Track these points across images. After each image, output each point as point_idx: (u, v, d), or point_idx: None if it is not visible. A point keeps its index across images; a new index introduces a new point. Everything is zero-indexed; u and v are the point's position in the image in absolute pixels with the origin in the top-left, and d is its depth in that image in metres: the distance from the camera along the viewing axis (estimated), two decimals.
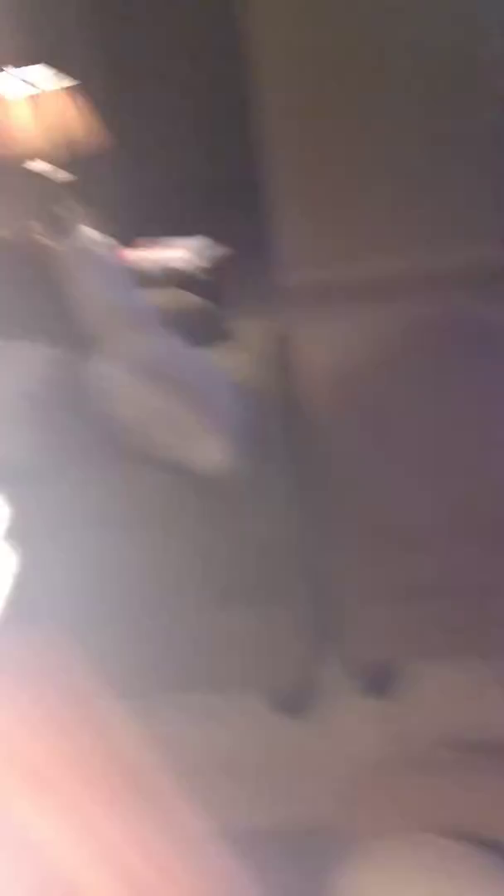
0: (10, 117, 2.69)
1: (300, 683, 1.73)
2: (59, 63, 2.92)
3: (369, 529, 1.58)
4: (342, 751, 1.67)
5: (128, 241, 3.13)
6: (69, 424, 1.72)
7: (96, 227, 3.10)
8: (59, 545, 1.62)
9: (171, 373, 1.75)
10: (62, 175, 2.92)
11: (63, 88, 2.78)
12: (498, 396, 1.90)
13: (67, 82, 2.84)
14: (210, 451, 1.74)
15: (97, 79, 3.90)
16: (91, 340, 1.98)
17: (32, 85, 2.71)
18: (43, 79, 2.78)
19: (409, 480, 1.67)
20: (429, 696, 1.75)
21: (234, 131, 4.77)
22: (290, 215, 3.95)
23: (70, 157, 2.85)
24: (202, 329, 2.60)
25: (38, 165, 2.82)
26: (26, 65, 2.83)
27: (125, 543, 1.65)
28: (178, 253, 3.06)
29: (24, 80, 2.73)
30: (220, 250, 3.19)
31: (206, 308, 2.63)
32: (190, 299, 2.61)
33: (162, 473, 1.67)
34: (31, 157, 2.77)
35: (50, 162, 2.82)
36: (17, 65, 2.83)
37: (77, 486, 1.68)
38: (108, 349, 1.84)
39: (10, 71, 2.81)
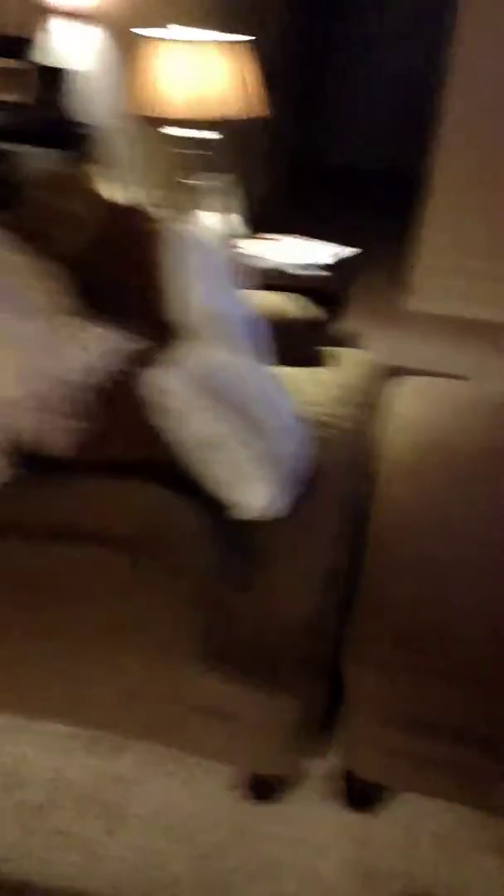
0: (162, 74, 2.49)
1: (280, 773, 1.55)
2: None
3: (404, 640, 1.37)
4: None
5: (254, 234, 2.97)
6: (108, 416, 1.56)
7: (224, 215, 2.93)
8: None
9: (244, 406, 1.57)
10: (204, 148, 2.74)
11: (228, 43, 2.55)
12: None
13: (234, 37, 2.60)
14: (257, 497, 1.57)
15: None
16: (170, 341, 1.83)
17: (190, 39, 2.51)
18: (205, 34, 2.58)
19: (465, 592, 1.45)
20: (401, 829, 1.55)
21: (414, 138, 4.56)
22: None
23: (220, 129, 2.66)
24: (309, 343, 2.42)
25: (183, 132, 2.65)
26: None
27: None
28: (310, 252, 2.85)
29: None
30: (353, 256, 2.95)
31: (322, 321, 2.42)
32: (309, 308, 2.40)
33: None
34: (178, 122, 2.60)
35: (195, 128, 2.65)
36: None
37: None
38: (185, 357, 1.68)
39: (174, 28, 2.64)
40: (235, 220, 2.94)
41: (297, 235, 3.06)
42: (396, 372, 2.61)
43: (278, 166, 5.83)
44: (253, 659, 1.40)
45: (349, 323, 4.10)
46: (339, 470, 1.85)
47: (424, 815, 1.60)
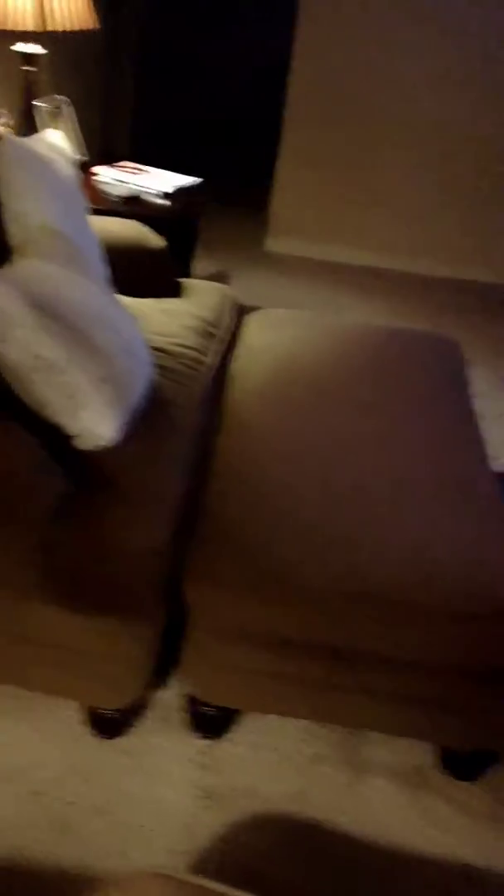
0: None
1: (124, 705, 1.51)
2: None
3: (241, 557, 1.36)
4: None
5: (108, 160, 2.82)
6: None
7: (69, 137, 2.76)
8: None
9: (82, 328, 1.48)
10: (46, 66, 2.56)
11: None
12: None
13: None
14: (98, 425, 1.50)
15: None
16: (7, 259, 1.70)
17: None
18: None
19: (304, 510, 1.45)
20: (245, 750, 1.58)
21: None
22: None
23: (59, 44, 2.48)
24: (151, 274, 2.33)
25: (25, 47, 2.46)
26: None
27: None
28: (155, 181, 2.73)
29: None
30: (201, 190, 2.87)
31: (164, 253, 2.33)
32: (150, 238, 2.31)
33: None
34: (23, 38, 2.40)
35: (38, 43, 2.46)
36: None
37: None
38: (18, 273, 1.57)
39: None
40: (76, 143, 2.78)
41: (141, 164, 2.94)
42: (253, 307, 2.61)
43: (142, 106, 5.61)
44: (92, 589, 1.35)
45: (214, 264, 4.07)
46: (184, 397, 1.81)
47: (269, 732, 1.62)
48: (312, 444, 1.67)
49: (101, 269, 2.01)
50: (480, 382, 3.23)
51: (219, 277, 3.94)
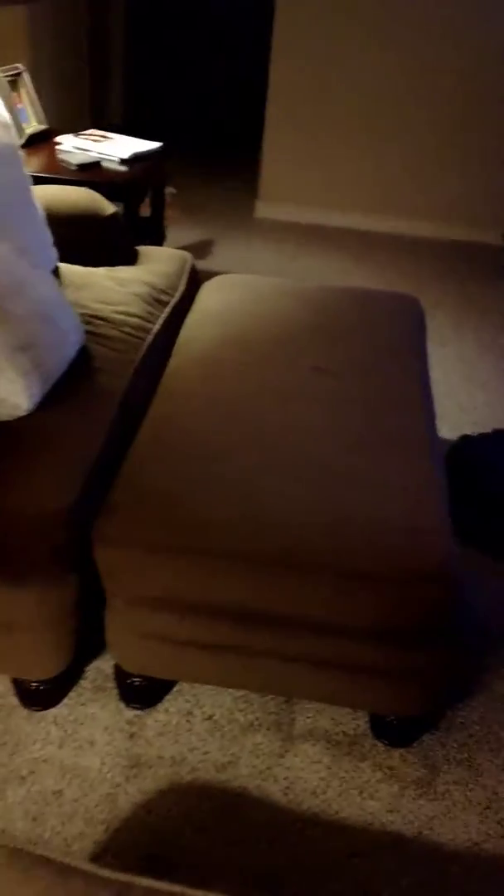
0: None
1: (46, 676, 1.50)
2: None
3: (155, 521, 1.32)
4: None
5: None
6: None
7: (28, 105, 2.72)
8: None
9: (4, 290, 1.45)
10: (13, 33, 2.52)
11: None
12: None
13: None
14: (10, 395, 1.47)
15: None
16: None
17: None
18: None
19: (228, 474, 1.41)
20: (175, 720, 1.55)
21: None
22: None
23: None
24: (102, 242, 2.28)
25: None
26: None
27: None
28: (115, 148, 2.68)
29: None
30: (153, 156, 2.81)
31: (116, 220, 2.28)
32: (101, 205, 2.26)
33: None
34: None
35: None
36: None
37: None
38: None
39: None
40: (34, 112, 2.74)
41: (99, 131, 2.89)
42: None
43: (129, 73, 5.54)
44: (2, 558, 1.34)
45: (203, 231, 4.01)
46: (118, 364, 1.77)
47: (204, 700, 1.60)
48: (248, 407, 1.63)
49: (37, 238, 1.98)
50: (467, 347, 3.14)
51: (207, 245, 3.89)
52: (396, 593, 1.25)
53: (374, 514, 1.34)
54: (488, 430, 2.59)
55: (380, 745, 1.53)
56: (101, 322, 1.91)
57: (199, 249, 3.84)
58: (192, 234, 3.96)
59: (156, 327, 1.99)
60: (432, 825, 1.41)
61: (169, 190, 3.40)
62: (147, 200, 3.05)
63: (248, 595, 1.31)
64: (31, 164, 2.58)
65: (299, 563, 1.27)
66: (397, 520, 1.33)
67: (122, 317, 1.96)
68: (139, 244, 2.84)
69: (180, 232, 3.96)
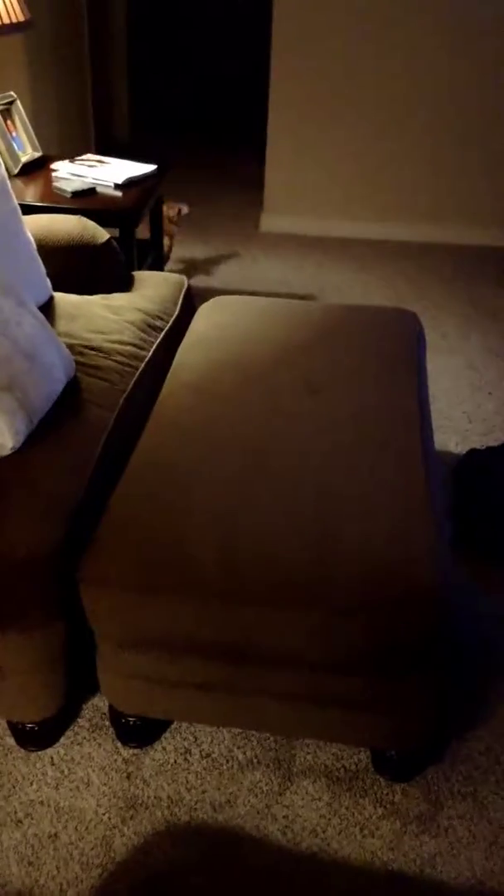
0: None
1: (39, 717, 1.49)
2: None
3: (137, 559, 1.30)
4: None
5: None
6: None
7: (22, 132, 2.73)
8: None
9: None
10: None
11: None
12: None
13: None
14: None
15: None
16: None
17: None
18: None
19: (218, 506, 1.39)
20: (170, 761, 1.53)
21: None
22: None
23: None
24: (96, 269, 2.27)
25: None
26: None
27: None
28: (110, 172, 2.68)
29: None
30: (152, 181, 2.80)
31: (109, 247, 2.28)
32: (94, 232, 2.26)
33: None
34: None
35: None
36: None
37: None
38: None
39: None
40: (28, 139, 2.75)
41: (95, 155, 2.89)
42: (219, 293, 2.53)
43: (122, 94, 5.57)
44: None
45: (208, 248, 4.00)
46: (109, 396, 1.76)
47: (202, 738, 1.58)
48: (239, 434, 1.60)
49: (26, 271, 1.98)
50: (474, 354, 3.09)
51: (212, 261, 3.88)
52: (385, 623, 1.22)
53: (363, 543, 1.30)
54: (498, 440, 2.54)
55: (381, 780, 1.50)
56: (93, 352, 1.90)
57: (204, 266, 3.83)
58: (197, 251, 3.96)
59: (149, 355, 1.98)
60: (435, 863, 1.37)
61: (182, 209, 3.39)
62: (147, 221, 3.05)
63: (235, 633, 1.28)
64: (27, 194, 2.59)
65: (285, 600, 1.24)
66: (385, 547, 1.30)
67: (114, 345, 1.95)
68: (140, 267, 2.85)
69: (184, 249, 3.95)
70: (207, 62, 6.20)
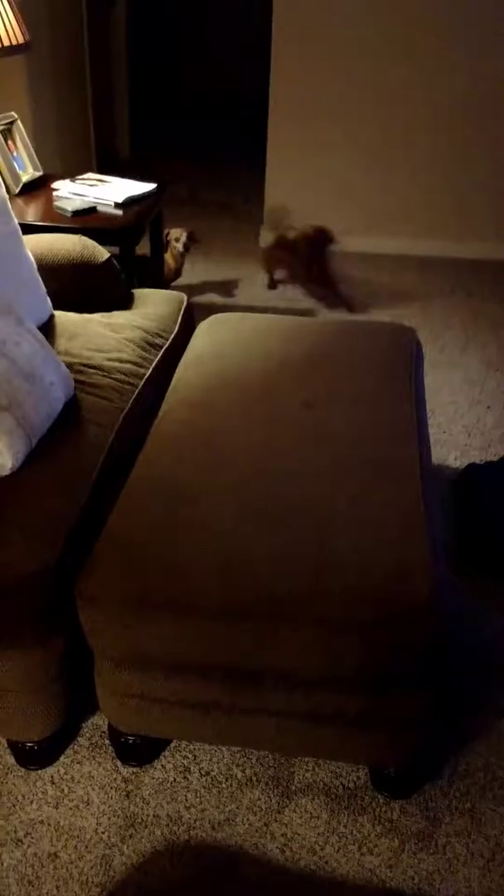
0: None
1: (38, 736, 1.50)
2: None
3: (133, 577, 1.31)
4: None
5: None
6: None
7: (23, 152, 2.76)
8: None
9: None
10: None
11: None
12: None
13: None
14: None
15: None
16: None
17: None
18: None
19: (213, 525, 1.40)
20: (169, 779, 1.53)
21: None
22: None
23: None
24: (97, 288, 2.30)
25: None
26: None
27: None
28: (111, 191, 2.71)
29: None
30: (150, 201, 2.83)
31: (110, 265, 2.30)
32: (94, 251, 2.28)
33: None
34: None
35: None
36: None
37: None
38: None
39: None
40: (29, 159, 2.78)
41: (96, 174, 2.92)
42: (212, 309, 2.54)
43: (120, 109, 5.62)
44: None
45: (209, 265, 4.03)
46: (108, 414, 1.77)
47: (202, 756, 1.58)
48: (236, 451, 1.62)
49: (25, 291, 2.00)
50: (473, 368, 3.10)
51: (213, 278, 3.90)
52: (382, 640, 1.23)
53: (359, 558, 1.31)
54: (496, 454, 2.55)
55: (380, 797, 1.50)
56: (93, 370, 1.92)
57: (206, 284, 3.85)
58: (197, 267, 3.98)
59: (148, 372, 1.99)
60: (432, 880, 1.37)
61: (191, 239, 3.42)
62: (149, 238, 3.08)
63: (233, 651, 1.29)
64: (28, 213, 2.62)
65: (283, 618, 1.25)
66: (382, 563, 1.31)
67: (114, 363, 1.97)
68: (141, 285, 2.87)
69: (186, 267, 3.98)
70: (207, 79, 6.26)
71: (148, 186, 2.76)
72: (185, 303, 2.39)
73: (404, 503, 1.47)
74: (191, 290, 3.73)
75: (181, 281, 3.71)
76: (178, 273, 3.45)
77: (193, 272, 3.91)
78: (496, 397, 2.89)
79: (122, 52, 5.45)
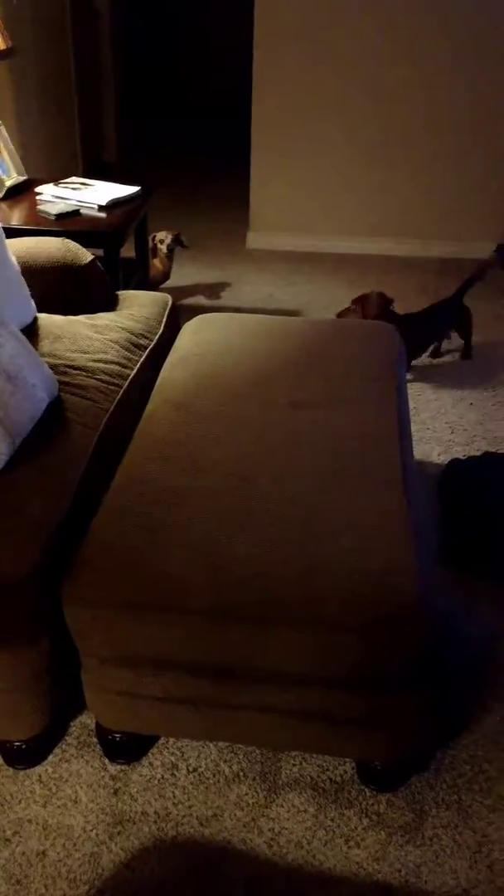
0: None
1: (25, 736, 1.50)
2: None
3: (117, 576, 1.32)
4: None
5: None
6: None
7: (6, 156, 2.77)
8: None
9: None
10: None
11: None
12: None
13: None
14: None
15: None
16: None
17: None
18: None
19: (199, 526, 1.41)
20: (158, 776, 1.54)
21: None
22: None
23: None
24: (81, 290, 2.30)
25: None
26: None
27: None
28: (95, 195, 2.72)
29: None
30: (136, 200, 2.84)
31: (93, 268, 2.31)
32: (77, 254, 2.29)
33: None
34: None
35: None
36: None
37: None
38: None
39: None
40: (13, 163, 2.78)
41: (79, 178, 2.93)
42: (200, 310, 2.55)
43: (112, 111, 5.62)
44: None
45: (197, 267, 4.04)
46: (91, 415, 1.78)
47: (189, 752, 1.59)
48: (221, 451, 1.62)
49: (8, 293, 2.00)
50: (457, 366, 3.12)
51: (201, 280, 3.91)
52: (370, 640, 1.23)
53: (345, 559, 1.32)
54: (479, 449, 2.57)
55: (367, 790, 1.51)
56: (77, 371, 1.93)
57: (193, 286, 3.86)
58: (184, 269, 3.99)
59: (132, 373, 2.00)
60: (420, 873, 1.38)
61: (178, 242, 3.43)
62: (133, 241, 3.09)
63: (221, 651, 1.30)
64: (11, 217, 2.62)
65: (269, 618, 1.26)
66: (367, 563, 1.32)
67: (98, 364, 1.97)
68: (126, 286, 2.88)
69: (175, 269, 3.99)
70: (194, 82, 6.27)
71: (132, 189, 2.77)
72: (169, 304, 2.40)
73: (389, 504, 1.47)
74: (179, 292, 3.74)
75: (169, 283, 3.73)
76: (166, 276, 3.46)
77: (182, 275, 3.92)
78: (479, 394, 2.91)
79: (109, 57, 5.47)
